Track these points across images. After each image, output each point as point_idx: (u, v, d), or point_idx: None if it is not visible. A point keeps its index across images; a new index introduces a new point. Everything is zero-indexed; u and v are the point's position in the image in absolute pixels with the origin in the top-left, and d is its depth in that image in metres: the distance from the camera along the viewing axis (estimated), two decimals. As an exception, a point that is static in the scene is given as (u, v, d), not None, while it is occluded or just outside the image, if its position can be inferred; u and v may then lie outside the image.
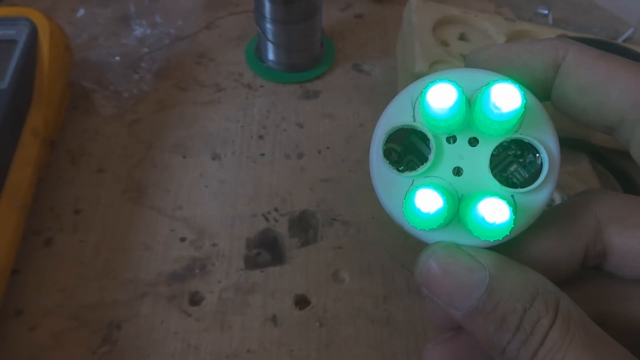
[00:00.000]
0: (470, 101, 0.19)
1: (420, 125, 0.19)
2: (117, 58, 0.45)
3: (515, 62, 0.19)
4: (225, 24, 0.52)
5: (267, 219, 0.37)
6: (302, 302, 0.34)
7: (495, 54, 0.20)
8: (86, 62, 0.45)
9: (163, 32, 0.48)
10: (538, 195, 0.19)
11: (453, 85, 0.18)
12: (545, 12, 0.54)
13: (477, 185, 0.19)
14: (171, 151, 0.41)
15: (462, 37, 0.44)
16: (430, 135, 0.19)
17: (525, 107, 0.17)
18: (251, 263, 0.35)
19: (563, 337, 0.17)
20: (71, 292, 0.34)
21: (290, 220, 0.38)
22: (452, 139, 0.19)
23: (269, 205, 0.38)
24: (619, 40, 0.50)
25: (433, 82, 0.18)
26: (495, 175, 0.19)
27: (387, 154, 0.20)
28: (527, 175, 0.19)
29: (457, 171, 0.19)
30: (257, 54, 0.48)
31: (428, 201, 0.18)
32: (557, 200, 0.38)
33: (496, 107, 0.17)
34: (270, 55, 0.47)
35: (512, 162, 0.19)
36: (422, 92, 0.18)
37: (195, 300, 0.34)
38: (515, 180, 0.19)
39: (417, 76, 0.39)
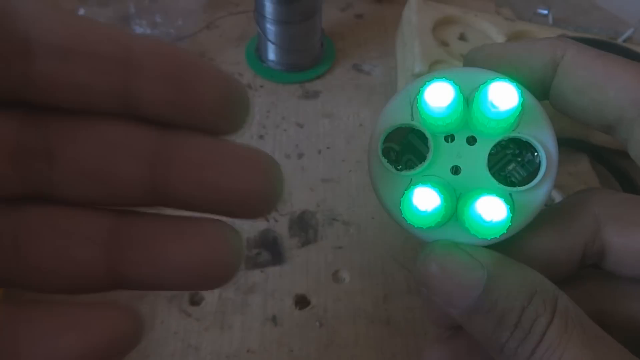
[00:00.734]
0: (468, 100, 0.19)
1: (419, 124, 0.19)
2: (118, 58, 0.45)
3: (514, 61, 0.19)
4: (225, 24, 0.52)
5: (267, 219, 0.37)
6: (302, 302, 0.34)
7: (494, 53, 0.20)
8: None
9: (163, 32, 0.48)
10: (536, 193, 0.19)
11: (450, 84, 0.18)
12: (545, 12, 0.54)
13: (475, 183, 0.19)
14: (171, 151, 0.41)
15: (462, 37, 0.45)
16: (428, 134, 0.19)
17: (523, 105, 0.17)
18: (251, 263, 0.35)
19: (561, 335, 0.17)
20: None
21: (290, 220, 0.38)
22: (450, 138, 0.19)
23: (269, 205, 0.38)
24: (619, 40, 0.50)
25: (430, 81, 0.18)
26: (493, 174, 0.19)
27: (386, 152, 0.20)
28: (525, 174, 0.19)
29: (455, 170, 0.19)
30: (257, 54, 0.48)
31: (426, 199, 0.18)
32: (557, 199, 0.38)
33: (493, 106, 0.17)
34: (271, 55, 0.47)
35: (510, 161, 0.19)
36: (419, 91, 0.18)
37: (195, 300, 0.34)
38: (513, 178, 0.19)
39: (417, 76, 0.39)
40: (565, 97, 0.19)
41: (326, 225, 0.37)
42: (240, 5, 0.53)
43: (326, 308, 0.34)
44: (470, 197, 0.18)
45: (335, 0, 0.54)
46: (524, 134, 0.19)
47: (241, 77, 0.47)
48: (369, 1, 0.55)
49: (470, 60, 0.21)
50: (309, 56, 0.47)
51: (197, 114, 0.15)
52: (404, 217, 0.19)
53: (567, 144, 0.41)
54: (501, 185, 0.19)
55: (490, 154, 0.19)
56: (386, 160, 0.19)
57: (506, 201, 0.17)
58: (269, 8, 0.43)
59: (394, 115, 0.20)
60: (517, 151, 0.19)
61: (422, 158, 0.19)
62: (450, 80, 0.18)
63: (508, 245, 0.19)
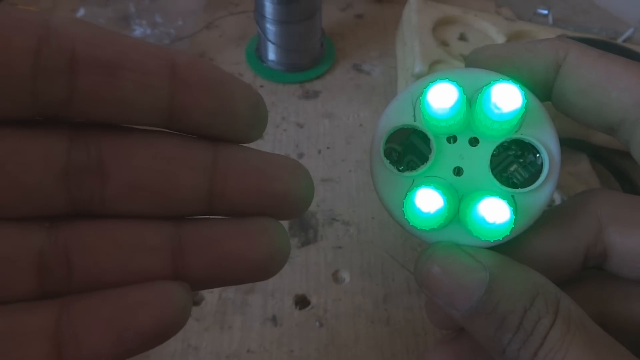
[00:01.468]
0: (471, 101, 0.19)
1: (421, 125, 0.19)
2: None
3: (516, 62, 0.19)
4: (225, 24, 0.52)
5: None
6: (302, 302, 0.34)
7: (496, 53, 0.20)
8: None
9: (163, 32, 0.48)
10: (538, 195, 0.19)
11: (454, 85, 0.18)
12: (545, 12, 0.54)
13: (478, 185, 0.19)
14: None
15: (462, 37, 0.45)
16: (430, 135, 0.19)
17: (526, 107, 0.17)
18: (251, 263, 0.35)
19: (563, 337, 0.17)
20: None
21: (290, 220, 0.38)
22: (452, 139, 0.19)
23: (269, 205, 0.38)
24: (619, 41, 0.50)
25: (433, 81, 0.18)
26: (495, 175, 0.19)
27: (388, 153, 0.20)
28: (527, 175, 0.19)
29: (458, 171, 0.19)
30: (257, 54, 0.48)
31: (428, 201, 0.18)
32: (557, 200, 0.38)
33: (497, 107, 0.17)
34: (271, 55, 0.47)
35: (512, 162, 0.19)
36: (422, 92, 0.18)
37: (195, 300, 0.34)
38: (515, 180, 0.19)
39: (417, 76, 0.39)
40: (568, 98, 0.19)
41: (326, 225, 0.37)
42: (240, 5, 0.53)
43: (326, 308, 0.34)
44: (472, 199, 0.18)
45: (335, 0, 0.54)
46: (527, 136, 0.19)
47: (241, 77, 0.47)
48: (369, 1, 0.55)
49: (472, 61, 0.21)
50: (309, 56, 0.47)
51: (233, 123, 0.16)
52: (406, 219, 0.19)
53: (568, 144, 0.41)
54: (504, 187, 0.19)
55: (492, 155, 0.19)
56: (388, 161, 0.19)
57: (509, 203, 0.17)
58: (269, 8, 0.43)
59: (396, 115, 0.20)
60: (519, 152, 0.19)
61: (424, 159, 0.19)
62: (453, 81, 0.18)
63: (510, 247, 0.19)
